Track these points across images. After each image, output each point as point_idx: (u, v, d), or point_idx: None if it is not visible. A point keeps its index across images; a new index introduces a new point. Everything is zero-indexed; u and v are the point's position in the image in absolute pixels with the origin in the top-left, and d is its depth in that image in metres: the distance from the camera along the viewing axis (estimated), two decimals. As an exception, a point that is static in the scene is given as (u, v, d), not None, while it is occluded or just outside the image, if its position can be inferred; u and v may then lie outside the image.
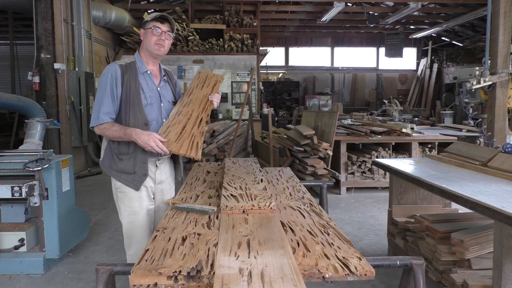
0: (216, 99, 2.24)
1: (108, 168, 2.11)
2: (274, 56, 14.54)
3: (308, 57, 15.16)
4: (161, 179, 2.24)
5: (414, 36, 13.59)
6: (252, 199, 1.86)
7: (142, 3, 11.05)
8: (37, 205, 3.00)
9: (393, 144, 5.66)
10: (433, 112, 11.72)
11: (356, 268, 1.23)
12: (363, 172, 5.62)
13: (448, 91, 12.73)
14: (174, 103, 2.26)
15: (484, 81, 3.43)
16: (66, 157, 3.30)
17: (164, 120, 2.15)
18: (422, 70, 14.23)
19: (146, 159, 2.10)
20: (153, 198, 2.22)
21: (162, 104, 2.18)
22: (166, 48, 2.13)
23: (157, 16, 2.07)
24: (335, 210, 4.75)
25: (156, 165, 2.19)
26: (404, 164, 2.88)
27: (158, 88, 2.18)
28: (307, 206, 1.93)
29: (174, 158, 2.36)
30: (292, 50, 15.21)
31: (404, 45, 13.47)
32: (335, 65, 15.24)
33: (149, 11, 10.75)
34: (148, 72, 2.15)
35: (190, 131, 2.03)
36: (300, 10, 11.46)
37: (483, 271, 2.28)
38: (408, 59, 15.12)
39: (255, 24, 10.25)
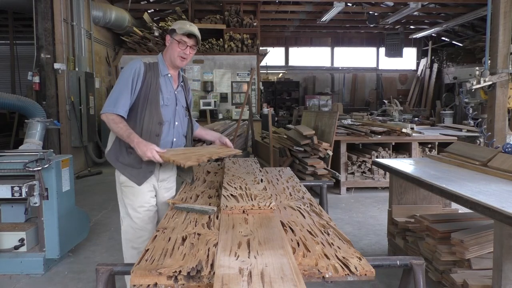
0: (229, 144, 2.41)
1: (114, 160, 2.16)
2: (274, 56, 14.54)
3: (308, 57, 15.16)
4: (164, 177, 2.29)
5: (414, 36, 13.59)
6: (252, 199, 1.86)
7: (142, 3, 11.05)
8: (37, 205, 3.00)
9: (393, 144, 5.66)
10: (433, 112, 11.72)
11: (356, 268, 1.23)
12: (363, 172, 5.62)
13: (448, 91, 12.73)
14: (186, 108, 2.36)
15: (484, 81, 3.42)
16: (66, 157, 3.30)
17: (177, 123, 2.26)
18: (422, 70, 14.23)
19: None
20: (155, 195, 2.28)
21: (177, 107, 2.26)
22: (188, 60, 2.24)
23: (185, 32, 2.14)
24: (335, 210, 4.75)
25: (160, 164, 2.23)
26: (404, 164, 2.88)
27: (175, 92, 2.27)
28: (307, 206, 1.93)
29: None
30: (292, 50, 15.21)
31: (404, 45, 13.46)
32: (335, 65, 15.24)
33: (149, 11, 10.75)
34: (169, 75, 2.24)
35: (194, 159, 2.01)
36: (300, 10, 11.46)
37: (483, 271, 2.28)
38: (408, 59, 15.12)
39: (255, 24, 10.24)
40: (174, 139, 2.26)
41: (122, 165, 2.15)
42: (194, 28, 2.17)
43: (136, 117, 2.13)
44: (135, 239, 2.19)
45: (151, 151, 1.96)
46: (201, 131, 2.60)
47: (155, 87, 2.14)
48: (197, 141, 4.00)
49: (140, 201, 2.18)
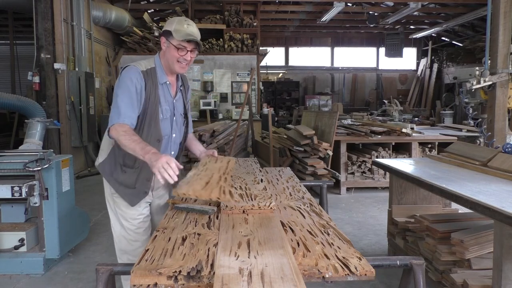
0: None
1: (108, 175, 1.99)
2: (274, 56, 14.54)
3: (308, 57, 15.17)
4: (158, 185, 2.11)
5: (414, 36, 13.59)
6: (252, 199, 1.86)
7: (142, 3, 11.05)
8: (37, 205, 3.00)
9: (393, 144, 5.66)
10: (433, 112, 11.73)
11: (356, 268, 1.23)
12: (363, 172, 5.62)
13: (448, 91, 12.74)
14: (184, 115, 2.14)
15: (484, 81, 3.42)
16: (66, 157, 3.30)
17: (174, 134, 2.06)
18: (422, 70, 14.23)
19: (150, 176, 1.98)
20: (150, 204, 2.13)
21: (174, 118, 2.04)
22: (189, 65, 2.00)
23: (185, 38, 1.87)
24: (335, 210, 4.76)
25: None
26: (404, 164, 2.88)
27: (174, 101, 2.04)
28: (307, 206, 1.93)
29: None
30: (292, 50, 15.21)
31: (404, 45, 13.47)
32: (335, 65, 15.24)
33: (149, 11, 10.75)
34: (168, 82, 2.00)
35: (217, 183, 1.73)
36: (300, 10, 11.46)
37: (483, 271, 2.28)
38: (408, 59, 15.12)
39: (255, 24, 10.25)
40: (172, 153, 2.09)
41: (116, 182, 1.96)
42: (193, 29, 1.90)
43: None
44: (131, 251, 2.07)
45: (169, 161, 1.62)
46: (191, 141, 2.30)
47: (154, 100, 1.91)
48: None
49: (134, 213, 2.03)
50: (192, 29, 1.90)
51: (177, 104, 2.06)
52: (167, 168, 1.61)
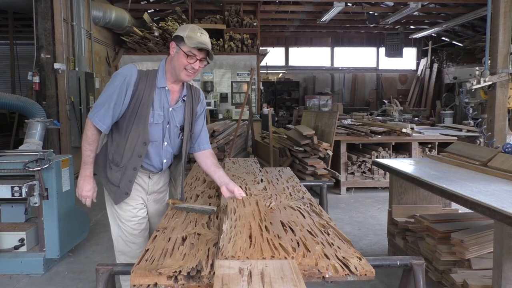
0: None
1: (100, 170, 2.00)
2: (274, 56, 14.54)
3: (308, 57, 15.17)
4: (153, 189, 2.12)
5: (414, 36, 13.59)
6: (252, 199, 1.85)
7: (142, 3, 11.05)
8: (37, 205, 3.00)
9: (393, 144, 5.66)
10: (433, 112, 11.73)
11: (356, 268, 1.23)
12: (363, 172, 5.62)
13: (448, 91, 12.74)
14: (181, 128, 2.04)
15: (484, 81, 3.42)
16: (66, 157, 3.30)
17: (165, 143, 2.00)
18: (422, 70, 14.23)
19: (133, 178, 1.96)
20: (145, 206, 2.11)
21: (168, 126, 1.98)
22: (196, 74, 1.93)
23: (197, 46, 1.82)
24: (335, 210, 4.75)
25: (149, 177, 2.07)
26: (404, 164, 2.88)
27: (170, 109, 1.97)
28: (307, 206, 1.93)
29: (174, 174, 2.16)
30: (292, 50, 15.21)
31: (404, 45, 13.46)
32: (335, 65, 15.24)
33: (149, 11, 10.75)
34: (166, 88, 1.94)
35: (261, 235, 1.48)
36: (300, 10, 11.46)
37: (483, 271, 2.28)
38: (408, 59, 15.12)
39: (255, 24, 10.24)
40: (165, 161, 2.05)
41: (105, 177, 1.98)
42: (205, 38, 1.86)
43: (121, 131, 1.92)
44: (129, 252, 2.06)
45: (83, 193, 1.95)
46: (210, 166, 2.09)
47: (147, 102, 1.88)
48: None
49: (128, 215, 2.02)
50: (204, 38, 1.87)
51: (174, 113, 1.99)
52: (81, 194, 1.96)
